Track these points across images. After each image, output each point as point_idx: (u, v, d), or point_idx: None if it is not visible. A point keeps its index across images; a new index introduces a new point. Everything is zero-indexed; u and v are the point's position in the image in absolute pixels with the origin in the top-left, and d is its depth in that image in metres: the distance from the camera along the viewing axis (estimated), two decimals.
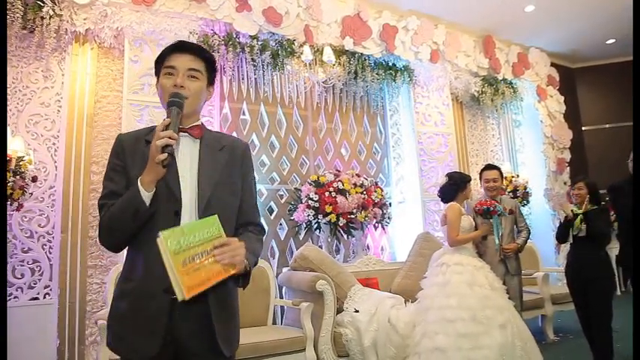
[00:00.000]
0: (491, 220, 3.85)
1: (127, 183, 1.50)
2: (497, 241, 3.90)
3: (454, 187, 3.89)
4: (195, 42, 4.24)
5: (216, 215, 1.42)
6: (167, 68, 1.58)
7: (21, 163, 3.31)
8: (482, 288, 3.42)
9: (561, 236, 3.83)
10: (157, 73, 1.64)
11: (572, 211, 3.69)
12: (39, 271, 3.64)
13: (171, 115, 1.46)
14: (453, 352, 3.19)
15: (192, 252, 1.34)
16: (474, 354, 3.17)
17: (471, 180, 3.99)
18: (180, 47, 1.61)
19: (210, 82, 1.67)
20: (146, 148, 1.51)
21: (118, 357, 1.53)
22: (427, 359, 3.28)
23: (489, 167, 4.33)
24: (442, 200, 3.99)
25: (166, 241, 1.29)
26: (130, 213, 1.42)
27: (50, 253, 3.68)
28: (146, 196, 1.42)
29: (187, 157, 1.56)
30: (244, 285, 1.54)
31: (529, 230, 4.28)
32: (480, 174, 4.34)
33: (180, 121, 1.49)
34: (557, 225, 3.94)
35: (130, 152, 1.55)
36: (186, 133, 1.56)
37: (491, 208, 3.76)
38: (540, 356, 3.40)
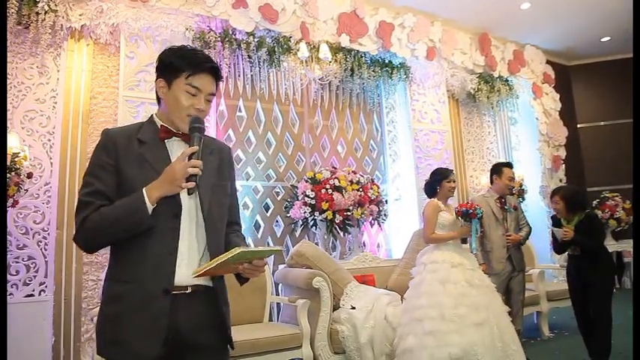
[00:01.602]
0: (469, 224, 3.63)
1: (120, 183, 1.47)
2: (473, 245, 3.69)
3: (431, 185, 3.82)
4: (191, 39, 4.26)
5: (282, 249, 1.54)
6: (191, 87, 1.52)
7: (16, 160, 3.29)
8: (456, 285, 3.32)
9: (559, 250, 3.87)
10: (169, 77, 1.54)
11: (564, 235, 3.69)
12: (34, 267, 3.62)
13: (195, 143, 1.47)
14: (419, 351, 3.15)
15: (233, 263, 1.43)
16: (439, 351, 3.10)
17: (447, 176, 3.82)
18: (211, 70, 1.56)
19: None
20: (140, 148, 1.51)
21: None
22: None
23: (511, 165, 4.34)
24: (427, 197, 3.90)
25: (232, 254, 1.36)
26: (130, 223, 1.41)
27: (45, 249, 3.67)
28: (151, 209, 1.42)
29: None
30: (243, 282, 1.62)
31: (530, 227, 4.28)
32: (498, 170, 4.24)
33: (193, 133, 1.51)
34: (553, 237, 3.92)
35: (123, 151, 1.50)
36: (179, 138, 1.56)
37: (471, 211, 3.59)
38: None
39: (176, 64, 1.53)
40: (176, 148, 1.55)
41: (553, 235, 3.88)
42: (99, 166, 1.49)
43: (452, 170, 3.96)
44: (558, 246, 3.84)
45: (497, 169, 4.27)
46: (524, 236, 4.18)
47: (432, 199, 3.78)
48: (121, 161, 1.48)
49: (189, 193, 1.46)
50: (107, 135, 1.54)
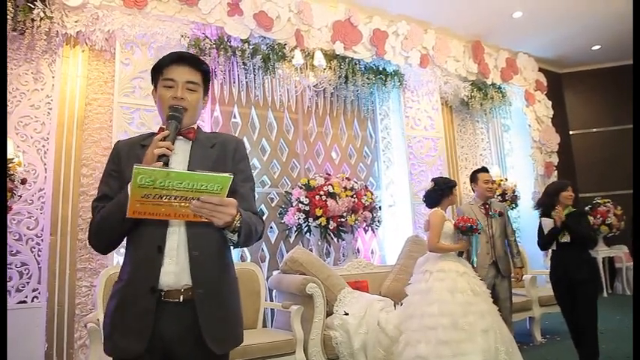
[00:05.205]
0: (469, 238, 3.69)
1: (121, 186, 1.51)
2: (474, 259, 3.77)
3: (439, 193, 3.82)
4: (186, 46, 4.28)
5: (231, 176, 1.32)
6: (166, 80, 1.60)
7: (10, 165, 3.30)
8: (464, 294, 3.36)
9: (547, 245, 3.88)
10: (154, 82, 1.66)
11: (557, 216, 3.71)
12: (27, 274, 3.62)
13: (170, 128, 1.50)
14: (434, 359, 3.18)
15: (164, 192, 1.29)
16: None
17: (456, 185, 3.93)
18: (178, 59, 1.62)
19: (206, 92, 1.71)
20: (141, 151, 1.53)
21: None
22: None
23: (486, 170, 4.41)
24: (427, 205, 3.92)
25: (137, 175, 1.25)
26: (119, 215, 1.42)
27: (39, 255, 3.67)
28: None
29: (180, 156, 1.57)
30: (235, 244, 1.50)
31: (514, 231, 4.43)
32: (474, 177, 4.34)
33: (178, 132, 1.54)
34: (539, 232, 3.91)
35: (125, 156, 1.58)
36: (180, 137, 1.58)
37: (474, 226, 3.64)
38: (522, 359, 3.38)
39: (154, 67, 1.66)
40: (176, 146, 1.53)
41: (539, 229, 3.87)
42: (106, 174, 1.61)
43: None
44: (545, 238, 3.82)
45: (473, 177, 4.40)
46: (517, 253, 4.32)
47: (437, 208, 3.81)
48: (122, 166, 1.56)
49: None
50: (114, 146, 1.65)
